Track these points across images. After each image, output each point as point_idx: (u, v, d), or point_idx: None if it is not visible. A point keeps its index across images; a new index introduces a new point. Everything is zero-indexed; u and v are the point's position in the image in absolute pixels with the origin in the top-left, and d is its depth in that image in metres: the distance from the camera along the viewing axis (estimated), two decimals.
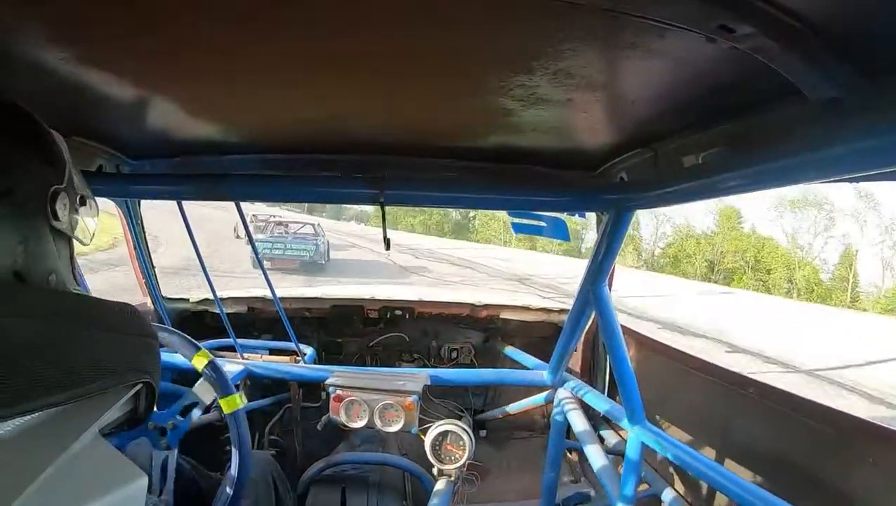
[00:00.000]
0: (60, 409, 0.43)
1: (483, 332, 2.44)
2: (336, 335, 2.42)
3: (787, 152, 0.72)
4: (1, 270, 0.49)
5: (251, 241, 2.21)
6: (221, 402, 1.36)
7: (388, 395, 1.64)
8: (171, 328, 1.45)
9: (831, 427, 1.19)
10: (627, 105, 0.96)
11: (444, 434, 1.62)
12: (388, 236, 1.44)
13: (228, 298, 2.25)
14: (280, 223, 15.78)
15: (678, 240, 38.01)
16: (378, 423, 1.64)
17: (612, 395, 2.00)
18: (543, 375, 1.87)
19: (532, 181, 1.49)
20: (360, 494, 1.79)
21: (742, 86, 0.77)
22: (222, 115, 1.19)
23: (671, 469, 1.73)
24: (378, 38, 0.71)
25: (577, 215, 1.53)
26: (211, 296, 1.95)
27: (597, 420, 2.04)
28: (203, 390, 1.40)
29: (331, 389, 1.68)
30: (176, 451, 1.37)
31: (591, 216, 1.65)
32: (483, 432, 2.36)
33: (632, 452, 1.38)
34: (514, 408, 2.21)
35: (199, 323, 2.21)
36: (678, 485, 1.68)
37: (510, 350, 2.30)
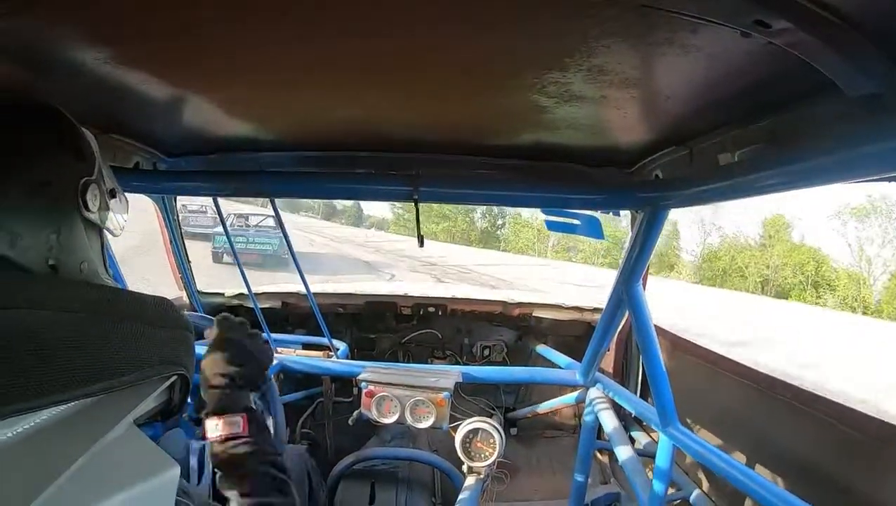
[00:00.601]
0: (96, 399, 0.46)
1: (515, 330, 2.44)
2: (369, 331, 2.45)
3: (824, 150, 0.71)
4: (38, 260, 0.53)
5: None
6: None
7: (420, 391, 1.65)
8: (206, 315, 1.47)
9: (877, 439, 1.12)
10: (662, 102, 0.96)
11: (474, 431, 1.63)
12: (421, 234, 1.47)
13: (263, 294, 2.30)
14: (240, 216, 15.11)
15: (726, 250, 33.67)
16: (409, 419, 1.65)
17: (643, 395, 1.98)
18: (575, 374, 1.86)
19: (566, 179, 1.49)
20: (389, 489, 1.81)
21: (778, 82, 0.75)
22: (257, 113, 1.21)
23: (701, 473, 1.70)
24: (412, 38, 0.73)
25: (611, 213, 1.52)
26: (245, 291, 2.00)
27: (628, 421, 2.02)
28: None
29: (363, 384, 1.69)
30: None
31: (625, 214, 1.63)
32: (514, 431, 2.36)
33: (662, 454, 1.36)
34: (545, 407, 2.20)
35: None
36: (708, 488, 1.65)
37: (542, 348, 2.29)
